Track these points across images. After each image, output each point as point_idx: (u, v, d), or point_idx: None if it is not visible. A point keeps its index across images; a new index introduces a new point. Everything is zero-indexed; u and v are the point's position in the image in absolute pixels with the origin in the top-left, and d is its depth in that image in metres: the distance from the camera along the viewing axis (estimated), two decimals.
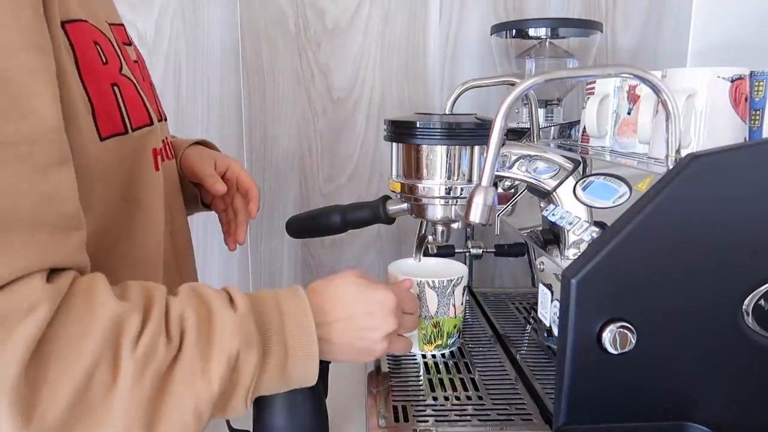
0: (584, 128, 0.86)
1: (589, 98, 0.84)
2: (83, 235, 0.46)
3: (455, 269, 0.84)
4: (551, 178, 0.67)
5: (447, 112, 0.79)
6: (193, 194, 0.78)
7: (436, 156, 0.71)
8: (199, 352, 0.46)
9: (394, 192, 0.77)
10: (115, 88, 0.52)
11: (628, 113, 0.78)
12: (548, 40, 1.01)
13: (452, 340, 0.80)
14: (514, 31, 1.02)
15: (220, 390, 0.47)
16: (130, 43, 0.61)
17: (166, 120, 0.74)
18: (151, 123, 0.57)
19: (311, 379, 0.54)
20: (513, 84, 0.62)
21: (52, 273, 0.43)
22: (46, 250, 0.42)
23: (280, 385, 0.53)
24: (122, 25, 0.61)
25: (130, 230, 0.55)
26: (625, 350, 0.51)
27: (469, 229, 1.04)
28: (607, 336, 0.50)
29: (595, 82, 0.86)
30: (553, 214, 0.65)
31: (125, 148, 0.53)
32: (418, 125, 0.71)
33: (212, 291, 0.51)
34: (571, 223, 0.61)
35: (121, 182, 0.54)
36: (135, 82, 0.56)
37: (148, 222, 0.57)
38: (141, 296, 0.46)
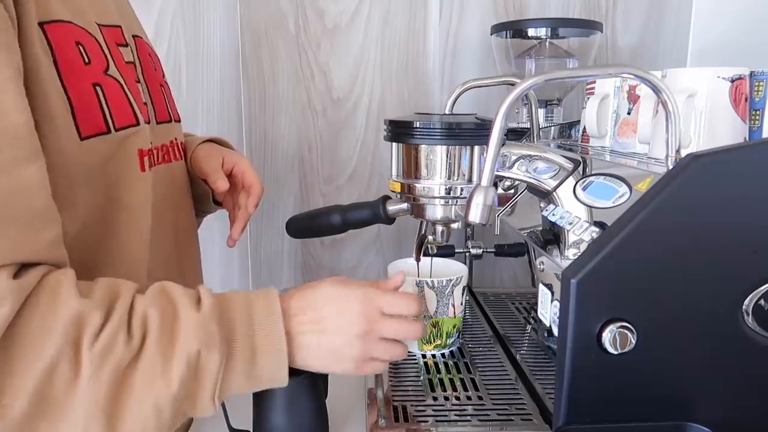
0: (584, 128, 0.86)
1: (589, 98, 0.84)
2: (57, 230, 0.46)
3: (455, 269, 0.84)
4: (551, 178, 0.67)
5: (447, 112, 0.78)
6: (205, 192, 0.78)
7: (436, 156, 0.71)
8: (161, 351, 0.46)
9: (394, 192, 0.77)
10: (98, 88, 0.52)
11: (628, 113, 0.78)
12: (548, 40, 1.01)
13: (452, 340, 0.80)
14: (514, 31, 1.02)
15: (181, 390, 0.47)
16: (125, 44, 0.61)
17: (178, 121, 0.74)
18: (137, 123, 0.56)
19: (282, 380, 0.53)
20: (513, 84, 0.62)
21: (22, 268, 0.43)
22: (14, 246, 0.42)
23: (250, 386, 0.53)
24: (119, 26, 0.60)
25: (114, 230, 0.56)
26: (625, 350, 0.51)
27: (469, 229, 1.04)
28: (607, 336, 0.50)
29: (595, 82, 0.86)
30: (553, 214, 0.65)
31: (108, 147, 0.53)
32: (417, 125, 0.71)
33: (181, 291, 0.50)
34: (571, 223, 0.61)
35: (105, 182, 0.54)
36: (122, 82, 0.56)
37: (131, 222, 0.57)
38: (106, 294, 0.47)
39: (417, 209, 0.75)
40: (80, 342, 0.43)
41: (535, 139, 0.84)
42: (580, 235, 0.59)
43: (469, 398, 0.68)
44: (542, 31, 1.00)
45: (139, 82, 0.62)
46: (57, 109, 0.48)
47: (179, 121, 0.75)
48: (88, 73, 0.52)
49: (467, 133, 0.70)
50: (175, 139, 0.72)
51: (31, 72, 0.46)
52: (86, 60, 0.52)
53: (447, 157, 0.71)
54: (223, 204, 0.82)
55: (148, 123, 0.62)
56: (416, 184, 0.73)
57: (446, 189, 0.71)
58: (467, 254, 1.00)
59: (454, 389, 0.70)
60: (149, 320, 0.47)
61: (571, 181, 0.65)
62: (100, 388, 0.44)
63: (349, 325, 0.55)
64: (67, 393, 0.43)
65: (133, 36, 0.66)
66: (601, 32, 1.00)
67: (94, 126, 0.51)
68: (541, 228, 0.72)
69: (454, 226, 0.77)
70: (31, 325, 0.42)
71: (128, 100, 0.56)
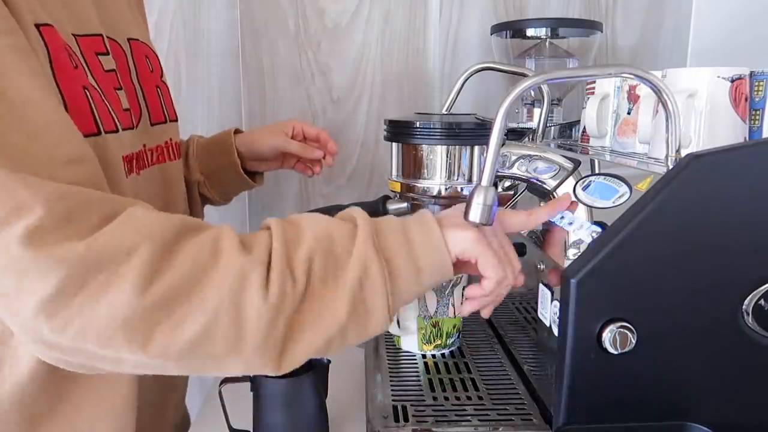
0: (584, 128, 0.86)
1: (589, 98, 0.84)
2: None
3: None
4: (551, 178, 0.67)
5: (454, 95, 0.81)
6: (233, 166, 0.86)
7: (436, 156, 0.71)
8: (326, 292, 0.48)
9: (393, 192, 0.77)
10: (86, 91, 0.53)
11: (628, 113, 0.78)
12: (548, 40, 1.01)
13: (452, 340, 0.80)
14: (513, 31, 1.02)
15: (351, 319, 0.48)
16: (106, 53, 0.60)
17: (174, 121, 0.75)
18: (117, 130, 0.57)
19: (447, 269, 0.52)
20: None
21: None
22: None
23: (419, 290, 0.52)
24: (100, 35, 0.60)
25: None
26: (625, 350, 0.51)
27: None
28: (607, 336, 0.50)
29: (595, 82, 0.86)
30: None
31: (98, 149, 0.54)
32: (418, 125, 0.71)
33: (337, 230, 0.50)
34: (571, 223, 0.61)
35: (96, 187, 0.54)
36: (100, 91, 0.56)
37: None
38: (264, 247, 0.47)
39: (417, 209, 0.75)
40: (247, 297, 0.44)
41: (540, 137, 0.84)
42: (580, 235, 0.59)
43: (469, 398, 0.68)
44: (542, 31, 1.00)
45: (120, 89, 0.61)
46: None
47: (175, 120, 0.76)
48: (78, 76, 0.52)
49: (467, 133, 0.70)
50: (170, 139, 0.73)
51: None
52: (74, 65, 0.52)
53: (447, 157, 0.71)
54: (284, 164, 0.93)
55: (134, 128, 0.62)
56: (416, 184, 0.73)
57: (446, 189, 0.71)
58: None
59: (454, 389, 0.70)
60: (313, 265, 0.47)
61: (571, 181, 0.65)
62: (273, 337, 0.45)
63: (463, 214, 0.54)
64: (237, 342, 0.45)
65: (129, 39, 0.67)
66: (601, 32, 1.00)
67: (86, 126, 0.52)
68: (541, 228, 0.72)
69: None
70: (197, 278, 0.44)
71: (108, 107, 0.57)
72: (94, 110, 0.53)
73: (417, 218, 0.53)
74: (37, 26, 0.48)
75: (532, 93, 0.93)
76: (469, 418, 0.64)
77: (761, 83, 0.68)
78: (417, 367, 0.76)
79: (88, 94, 0.53)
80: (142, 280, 0.42)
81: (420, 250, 0.51)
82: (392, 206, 0.78)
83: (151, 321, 0.43)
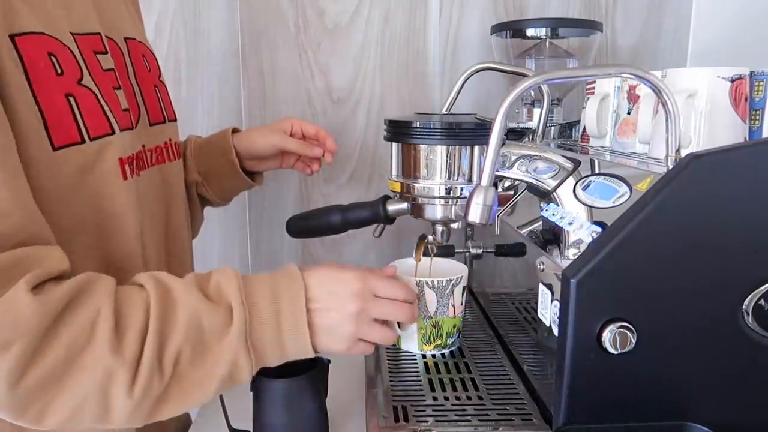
0: (584, 128, 0.86)
1: (589, 98, 0.84)
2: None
3: (455, 269, 0.84)
4: (551, 178, 0.67)
5: (454, 95, 0.82)
6: (232, 165, 0.85)
7: (435, 156, 0.71)
8: (193, 371, 0.51)
9: (393, 192, 0.77)
10: (70, 98, 0.52)
11: (628, 113, 0.78)
12: (548, 40, 1.01)
13: (452, 340, 0.80)
14: (514, 31, 1.02)
15: (217, 393, 0.52)
16: (104, 52, 0.60)
17: (173, 120, 0.75)
18: (112, 132, 0.56)
19: (309, 353, 0.56)
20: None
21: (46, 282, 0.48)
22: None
23: (281, 362, 0.56)
24: (98, 33, 0.59)
25: (103, 239, 0.56)
26: (625, 350, 0.51)
27: (469, 229, 1.04)
28: (607, 336, 0.51)
29: (595, 82, 0.86)
30: (553, 214, 0.65)
31: (84, 157, 0.53)
32: (417, 125, 0.71)
33: (210, 318, 0.51)
34: (571, 223, 0.61)
35: (87, 193, 0.54)
36: (97, 92, 0.55)
37: (120, 231, 0.57)
38: (137, 339, 0.48)
39: (417, 209, 0.75)
40: (112, 394, 0.47)
41: (540, 137, 0.84)
42: (580, 235, 0.59)
43: (469, 398, 0.68)
44: (542, 31, 1.00)
45: (119, 88, 0.60)
46: (28, 121, 0.49)
47: (174, 120, 0.75)
48: (60, 84, 0.52)
49: (467, 133, 0.70)
50: (170, 139, 0.72)
51: (1, 85, 0.47)
52: (59, 71, 0.52)
53: (447, 157, 0.71)
54: (284, 163, 0.91)
55: (133, 128, 0.62)
56: (416, 184, 0.73)
57: (446, 189, 0.71)
58: (467, 254, 1.00)
59: (454, 389, 0.70)
60: (182, 356, 0.50)
61: (571, 181, 0.65)
62: (138, 416, 0.49)
63: (344, 304, 0.57)
64: (104, 422, 0.49)
65: (125, 38, 0.66)
66: (601, 32, 1.00)
67: (67, 136, 0.52)
68: (541, 228, 0.72)
69: (454, 226, 0.77)
70: (68, 369, 0.46)
71: (103, 109, 0.55)
72: (78, 117, 0.53)
73: (291, 311, 0.54)
74: (13, 36, 0.48)
75: (532, 93, 0.93)
76: (469, 418, 0.64)
77: (761, 83, 0.68)
78: (417, 367, 0.76)
79: (72, 101, 0.52)
80: (14, 376, 0.44)
81: (287, 340, 0.54)
82: (392, 206, 0.78)
83: (23, 404, 0.46)
